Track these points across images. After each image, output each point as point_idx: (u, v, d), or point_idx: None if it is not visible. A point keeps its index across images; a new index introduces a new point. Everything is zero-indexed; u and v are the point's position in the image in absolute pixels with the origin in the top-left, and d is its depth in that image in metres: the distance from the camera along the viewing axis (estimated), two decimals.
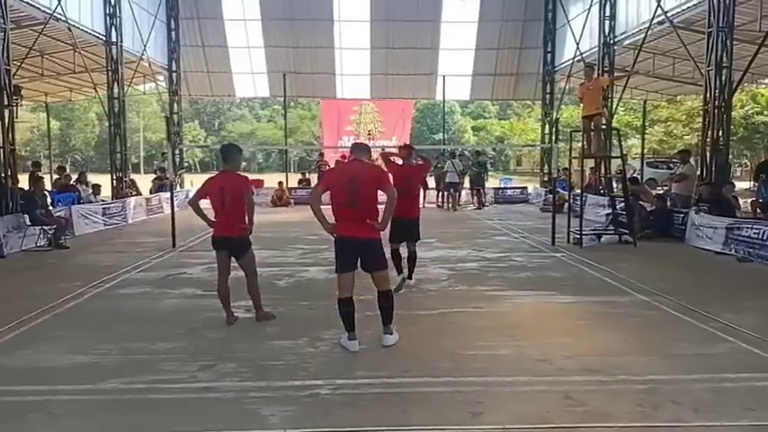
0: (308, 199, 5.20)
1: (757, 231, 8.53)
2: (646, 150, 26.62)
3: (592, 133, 10.88)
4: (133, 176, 18.83)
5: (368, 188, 4.46)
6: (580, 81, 11.05)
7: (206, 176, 5.88)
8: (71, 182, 14.76)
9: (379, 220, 4.52)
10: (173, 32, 20.50)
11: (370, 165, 4.80)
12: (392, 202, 4.49)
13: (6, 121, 10.42)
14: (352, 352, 4.57)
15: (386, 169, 6.20)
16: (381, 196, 4.56)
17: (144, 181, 20.10)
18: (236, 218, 5.26)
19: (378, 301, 4.72)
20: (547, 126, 21.66)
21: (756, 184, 10.57)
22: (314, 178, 22.74)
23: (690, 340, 4.88)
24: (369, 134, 22.83)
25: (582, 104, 11.00)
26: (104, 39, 15.76)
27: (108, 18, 15.78)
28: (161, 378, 4.09)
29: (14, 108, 11.33)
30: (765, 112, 35.63)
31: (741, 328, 5.06)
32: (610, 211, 11.70)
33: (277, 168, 47.84)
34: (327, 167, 19.47)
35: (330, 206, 4.55)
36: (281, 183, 20.20)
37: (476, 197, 18.96)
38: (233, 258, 5.38)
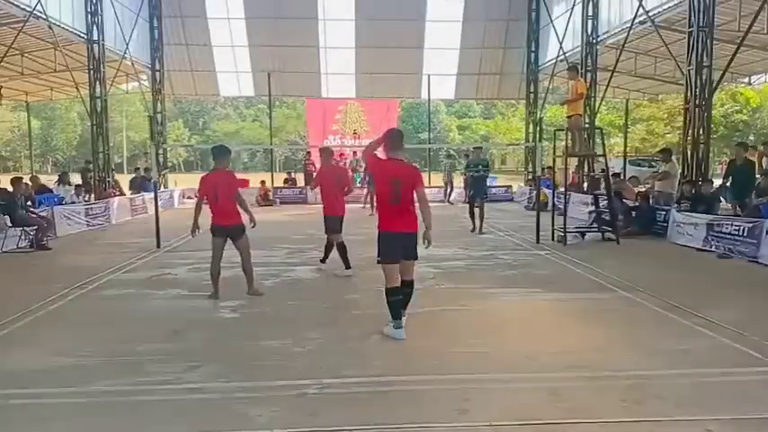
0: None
1: (737, 228, 8.68)
2: (628, 149, 26.92)
3: (575, 133, 11.02)
4: (117, 176, 18.59)
5: (407, 186, 4.87)
6: (563, 80, 11.16)
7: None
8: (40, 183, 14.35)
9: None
10: (155, 31, 20.31)
11: (409, 165, 5.19)
12: (428, 203, 4.97)
13: None
14: (399, 340, 4.76)
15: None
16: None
17: (127, 181, 19.86)
18: (229, 209, 6.12)
19: (402, 288, 4.96)
20: (531, 125, 21.81)
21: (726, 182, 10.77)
22: (300, 178, 22.64)
23: (672, 336, 4.95)
24: (354, 134, 22.79)
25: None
26: (86, 37, 15.53)
27: (89, 16, 15.56)
28: (147, 380, 4.06)
29: None
30: (744, 111, 36.23)
31: (722, 324, 5.13)
32: (593, 208, 11.81)
33: (262, 168, 47.57)
34: (314, 167, 19.46)
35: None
36: (263, 182, 20.06)
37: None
38: (227, 244, 6.18)
